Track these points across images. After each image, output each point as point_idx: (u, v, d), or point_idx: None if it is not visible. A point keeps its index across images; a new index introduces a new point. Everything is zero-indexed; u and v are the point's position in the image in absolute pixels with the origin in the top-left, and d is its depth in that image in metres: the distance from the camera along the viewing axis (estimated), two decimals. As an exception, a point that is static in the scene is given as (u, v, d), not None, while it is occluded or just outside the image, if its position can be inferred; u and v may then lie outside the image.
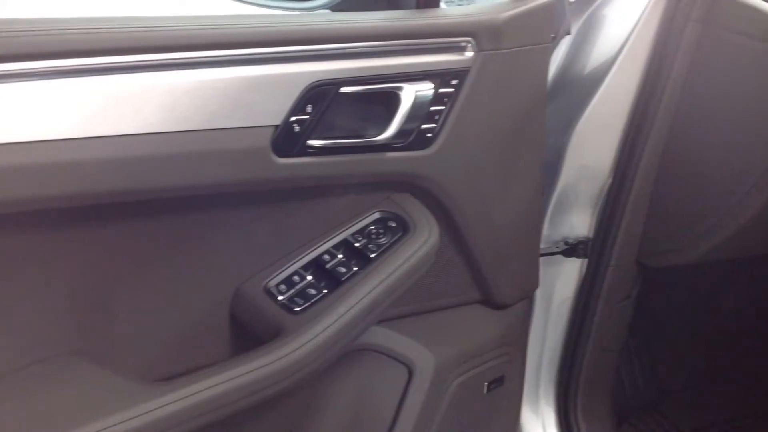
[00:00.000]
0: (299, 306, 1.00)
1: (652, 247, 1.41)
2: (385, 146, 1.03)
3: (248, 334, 1.01)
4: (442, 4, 1.26)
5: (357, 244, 1.05)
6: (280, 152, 0.95)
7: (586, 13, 1.39)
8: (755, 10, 1.25)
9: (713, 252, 1.35)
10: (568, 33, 1.35)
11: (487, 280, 1.22)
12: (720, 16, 1.26)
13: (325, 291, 1.01)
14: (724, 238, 1.31)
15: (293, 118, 0.94)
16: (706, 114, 1.31)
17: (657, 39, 1.29)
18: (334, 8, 1.23)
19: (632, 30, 1.31)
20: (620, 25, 1.33)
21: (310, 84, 0.94)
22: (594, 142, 1.36)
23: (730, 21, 1.26)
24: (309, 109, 0.95)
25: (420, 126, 1.04)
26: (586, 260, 1.42)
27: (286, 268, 1.03)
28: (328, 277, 1.02)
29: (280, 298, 1.01)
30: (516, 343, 1.31)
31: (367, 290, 1.01)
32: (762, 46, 1.22)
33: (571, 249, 1.41)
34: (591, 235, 1.41)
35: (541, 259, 1.40)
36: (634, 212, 1.37)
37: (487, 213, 1.17)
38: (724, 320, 1.64)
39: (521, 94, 1.15)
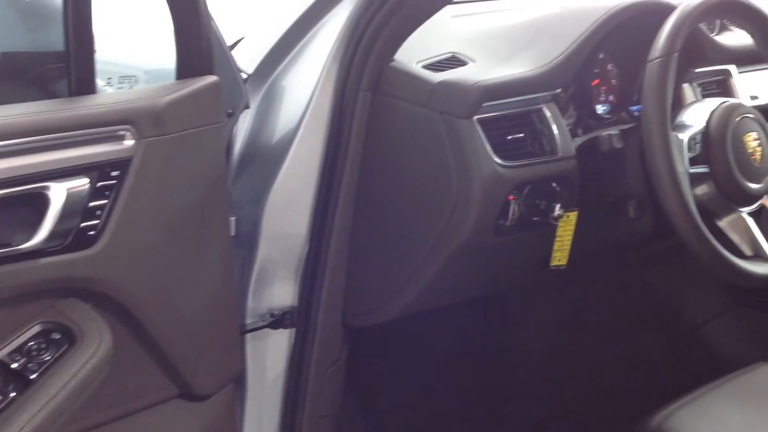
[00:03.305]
0: None
1: (355, 308, 1.43)
2: (36, 252, 0.93)
3: None
4: (104, 85, 1.20)
5: (14, 365, 0.94)
6: None
7: (265, 86, 1.39)
8: (416, 78, 1.33)
9: (409, 307, 1.40)
10: (248, 107, 1.34)
11: (182, 373, 1.15)
12: (386, 85, 1.33)
13: None
14: (415, 294, 1.37)
15: None
16: (386, 177, 1.36)
17: (334, 107, 1.32)
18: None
19: (310, 99, 1.33)
20: (299, 95, 1.35)
21: None
22: (288, 211, 1.36)
23: (395, 89, 1.33)
24: None
25: (79, 225, 0.96)
26: (294, 330, 1.41)
27: None
28: None
29: None
30: (223, 431, 1.26)
31: (28, 418, 0.90)
32: (424, 111, 1.30)
33: (277, 320, 1.38)
34: (296, 303, 1.40)
35: (251, 334, 1.37)
36: (334, 276, 1.38)
37: (172, 303, 1.11)
38: (438, 365, 1.71)
39: (197, 175, 1.11)
